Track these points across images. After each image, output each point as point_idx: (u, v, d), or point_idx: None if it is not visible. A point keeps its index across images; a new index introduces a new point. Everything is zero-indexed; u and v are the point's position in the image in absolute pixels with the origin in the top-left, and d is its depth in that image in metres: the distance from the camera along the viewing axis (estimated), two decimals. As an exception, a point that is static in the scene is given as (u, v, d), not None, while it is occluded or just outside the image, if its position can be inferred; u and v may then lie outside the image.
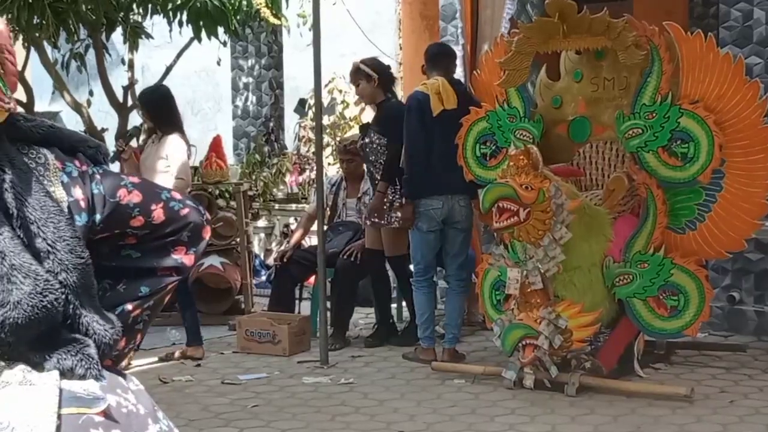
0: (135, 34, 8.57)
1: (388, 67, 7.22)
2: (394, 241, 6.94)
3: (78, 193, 1.66)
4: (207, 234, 1.88)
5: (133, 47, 8.95)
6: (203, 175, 8.33)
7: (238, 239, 8.23)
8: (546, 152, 5.82)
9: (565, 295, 5.70)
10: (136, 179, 1.80)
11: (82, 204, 1.66)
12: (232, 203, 8.43)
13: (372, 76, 6.83)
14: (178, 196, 1.86)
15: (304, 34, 9.74)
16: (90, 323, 1.61)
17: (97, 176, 1.72)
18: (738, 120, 5.63)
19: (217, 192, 8.64)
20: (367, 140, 6.92)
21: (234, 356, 6.91)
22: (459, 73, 7.86)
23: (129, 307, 1.78)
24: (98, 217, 1.69)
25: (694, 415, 5.20)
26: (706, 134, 5.57)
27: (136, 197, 1.74)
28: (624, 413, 5.30)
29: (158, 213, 1.76)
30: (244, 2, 8.02)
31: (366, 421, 5.35)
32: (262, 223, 9.60)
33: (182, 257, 1.82)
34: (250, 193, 9.08)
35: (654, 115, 5.68)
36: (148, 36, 8.84)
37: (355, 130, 10.40)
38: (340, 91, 11.48)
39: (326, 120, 9.49)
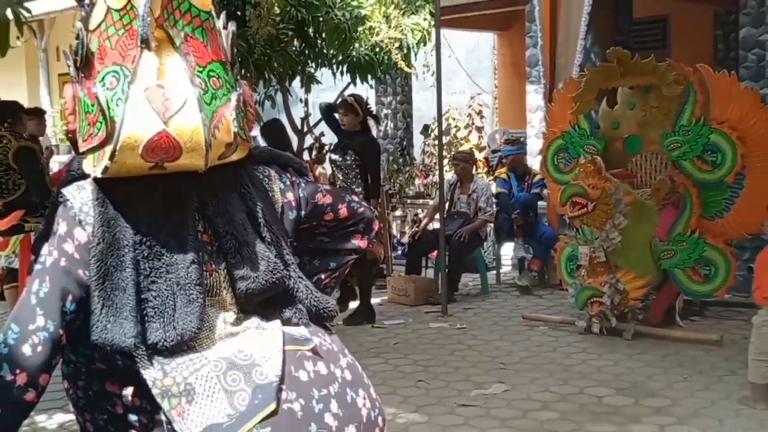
0: (309, 81, 8.68)
1: (369, 107, 6.76)
2: None
3: (290, 196, 1.68)
4: (376, 226, 1.87)
5: (308, 90, 9.08)
6: (357, 180, 8.40)
7: (381, 224, 8.25)
8: (607, 161, 5.72)
9: (623, 265, 5.58)
10: (327, 187, 1.81)
11: (293, 204, 1.68)
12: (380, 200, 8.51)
13: (359, 113, 6.46)
14: (356, 198, 1.87)
15: (426, 78, 9.71)
16: (305, 292, 1.63)
17: (302, 184, 1.73)
18: (756, 136, 5.40)
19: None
20: (337, 157, 6.45)
21: (380, 307, 6.84)
22: (540, 105, 7.75)
23: (322, 276, 1.79)
24: (303, 213, 1.70)
25: (723, 354, 5.07)
26: (731, 147, 5.38)
27: (328, 199, 1.75)
28: (669, 353, 5.18)
29: (343, 210, 1.77)
30: (386, 57, 8.06)
31: (476, 356, 5.35)
32: (398, 213, 9.63)
33: (359, 242, 1.82)
34: (389, 191, 9.13)
35: (690, 133, 5.51)
36: (318, 82, 8.96)
37: (465, 147, 10.37)
38: (454, 119, 11.46)
39: (444, 139, 9.43)
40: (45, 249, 1.46)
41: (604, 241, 5.58)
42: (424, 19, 8.27)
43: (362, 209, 1.81)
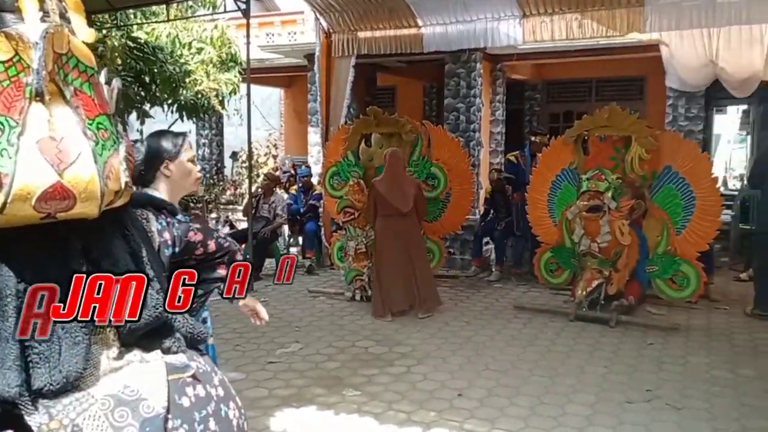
0: (144, 115, 7.73)
1: None
2: None
3: (167, 235, 1.33)
4: (238, 256, 1.55)
5: (142, 123, 8.07)
6: (183, 191, 7.64)
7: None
8: (366, 183, 5.64)
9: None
10: (199, 225, 1.45)
11: (169, 242, 1.33)
12: (199, 206, 7.78)
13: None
14: (223, 234, 1.53)
15: (233, 118, 9.14)
16: (181, 321, 1.28)
17: (176, 224, 1.37)
18: (457, 169, 5.70)
19: (191, 200, 7.94)
20: None
21: (202, 287, 6.27)
22: (318, 141, 7.55)
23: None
24: (177, 249, 1.35)
25: (444, 310, 5.18)
26: (443, 175, 5.65)
27: (199, 237, 1.40)
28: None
29: (212, 245, 1.43)
30: (206, 101, 7.42)
31: (277, 321, 5.00)
32: (213, 215, 8.95)
33: (222, 270, 1.50)
34: (207, 200, 8.44)
35: (418, 165, 5.67)
36: (151, 117, 8.01)
37: (264, 170, 9.87)
38: (256, 149, 10.96)
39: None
40: None
41: (365, 237, 5.53)
42: (234, 76, 7.75)
43: (228, 244, 1.49)
